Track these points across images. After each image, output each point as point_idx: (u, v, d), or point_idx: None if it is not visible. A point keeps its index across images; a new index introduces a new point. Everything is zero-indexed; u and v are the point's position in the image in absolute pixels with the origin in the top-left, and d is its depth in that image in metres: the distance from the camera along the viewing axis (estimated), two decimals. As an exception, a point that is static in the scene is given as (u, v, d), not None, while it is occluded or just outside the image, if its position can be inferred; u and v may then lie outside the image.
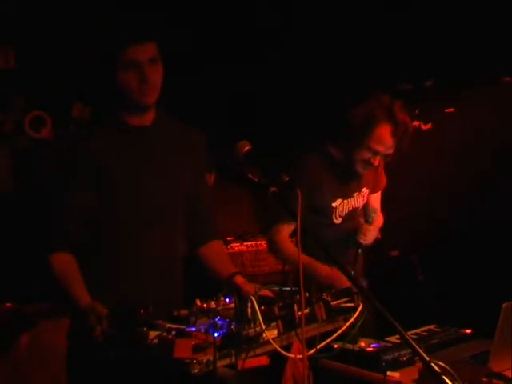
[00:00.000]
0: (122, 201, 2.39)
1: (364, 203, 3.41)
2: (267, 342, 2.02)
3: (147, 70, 2.33)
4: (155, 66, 2.36)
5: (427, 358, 1.91)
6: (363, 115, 3.04)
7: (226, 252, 2.82)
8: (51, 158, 2.50)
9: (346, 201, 3.29)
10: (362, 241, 3.17)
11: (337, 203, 3.26)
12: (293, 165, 3.21)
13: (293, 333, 2.09)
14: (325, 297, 2.19)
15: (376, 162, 3.14)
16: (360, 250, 3.31)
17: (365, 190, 3.39)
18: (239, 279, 2.35)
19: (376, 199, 3.51)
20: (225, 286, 2.36)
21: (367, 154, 3.09)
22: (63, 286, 2.34)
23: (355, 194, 3.33)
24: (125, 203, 2.39)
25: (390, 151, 3.11)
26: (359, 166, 3.16)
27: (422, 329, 3.15)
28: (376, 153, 3.09)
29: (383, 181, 3.50)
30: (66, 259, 2.35)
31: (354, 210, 3.35)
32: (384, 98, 3.09)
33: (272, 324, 2.04)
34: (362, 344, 2.74)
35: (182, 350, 1.87)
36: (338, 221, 3.28)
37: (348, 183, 3.28)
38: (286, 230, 3.15)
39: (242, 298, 2.02)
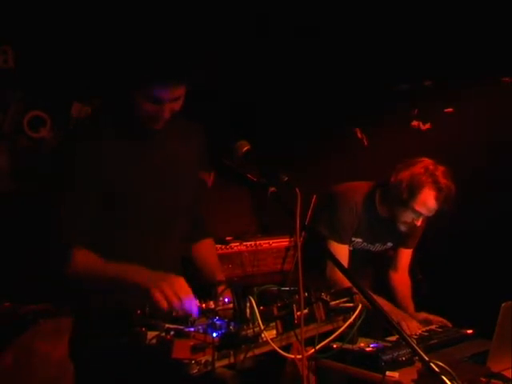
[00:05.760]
0: (129, 206, 2.34)
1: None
2: (266, 343, 2.02)
3: (167, 105, 2.25)
4: (176, 102, 2.29)
5: (426, 358, 1.91)
6: (409, 179, 3.20)
7: (216, 252, 2.82)
8: (54, 159, 2.41)
9: (365, 243, 3.47)
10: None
11: (357, 240, 3.44)
12: (339, 194, 3.41)
13: (292, 333, 2.09)
14: (324, 297, 2.19)
15: (419, 223, 3.30)
16: None
17: (389, 244, 3.56)
18: (220, 288, 2.34)
19: (407, 256, 3.64)
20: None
21: (411, 215, 3.26)
22: (97, 275, 2.25)
23: (377, 245, 3.51)
24: (132, 209, 2.35)
25: (432, 214, 3.27)
26: (402, 225, 3.34)
27: (423, 329, 3.16)
28: (419, 215, 3.25)
29: (417, 239, 3.62)
30: (87, 252, 2.27)
31: (369, 251, 3.51)
32: (428, 163, 3.23)
33: (271, 324, 2.04)
34: (362, 344, 2.74)
35: (181, 350, 1.86)
36: (350, 248, 3.44)
37: (375, 232, 3.44)
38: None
39: (240, 298, 2.01)
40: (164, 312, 2.07)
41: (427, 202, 3.19)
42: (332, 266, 3.20)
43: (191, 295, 2.10)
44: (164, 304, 2.07)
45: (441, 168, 3.22)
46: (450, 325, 3.24)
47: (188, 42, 2.25)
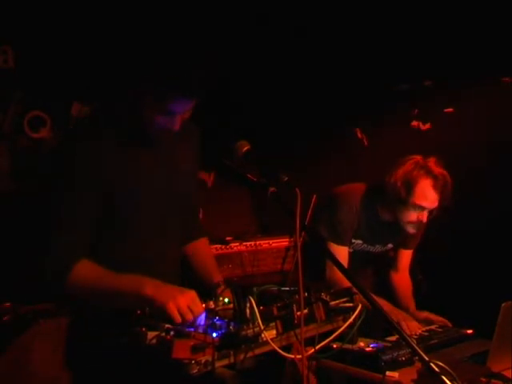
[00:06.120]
0: (129, 206, 2.33)
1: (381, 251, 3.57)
2: (266, 343, 2.02)
3: (178, 117, 2.23)
4: (188, 112, 2.28)
5: (426, 358, 1.91)
6: (402, 177, 3.20)
7: (211, 251, 2.82)
8: (53, 158, 2.36)
9: (365, 245, 3.47)
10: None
11: (357, 241, 3.44)
12: (338, 196, 3.41)
13: (292, 333, 2.09)
14: (324, 297, 2.19)
15: (424, 219, 3.26)
16: None
17: (389, 246, 3.56)
18: (219, 289, 2.34)
19: (408, 256, 3.65)
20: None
21: (414, 214, 3.24)
22: (101, 286, 2.21)
23: (377, 246, 3.50)
24: (132, 209, 2.34)
25: (435, 205, 3.24)
26: (409, 226, 3.32)
27: (424, 329, 3.17)
28: (422, 209, 3.23)
29: (418, 239, 3.62)
30: (87, 264, 2.24)
31: (369, 252, 3.51)
32: (417, 158, 3.24)
33: (271, 324, 2.04)
34: (361, 344, 2.74)
35: (181, 350, 1.87)
36: (350, 250, 3.44)
37: (375, 233, 3.44)
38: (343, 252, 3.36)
39: (240, 299, 2.01)
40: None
41: (426, 192, 3.19)
42: (331, 266, 3.20)
43: (202, 310, 2.11)
44: (178, 319, 2.07)
45: (431, 159, 3.23)
46: (450, 325, 3.24)
47: (204, 55, 2.21)
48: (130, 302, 2.16)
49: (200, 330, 1.98)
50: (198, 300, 2.12)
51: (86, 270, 2.24)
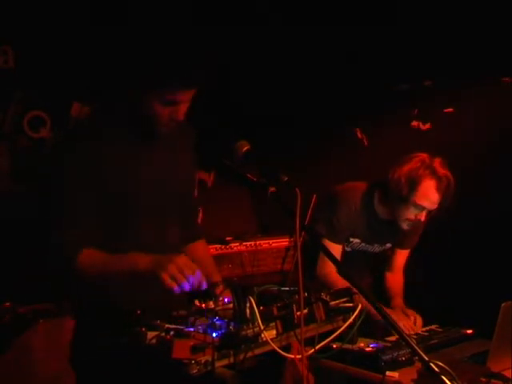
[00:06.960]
0: (129, 206, 2.33)
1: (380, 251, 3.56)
2: (266, 343, 2.02)
3: (181, 107, 2.27)
4: (187, 103, 2.30)
5: (426, 358, 1.91)
6: (407, 174, 3.19)
7: (210, 252, 2.83)
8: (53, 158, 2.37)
9: (363, 244, 3.45)
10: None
11: (355, 240, 3.43)
12: (338, 194, 3.40)
13: (292, 333, 2.09)
14: (323, 297, 2.19)
15: (422, 218, 3.26)
16: None
17: (388, 245, 3.55)
18: (218, 289, 2.34)
19: (404, 256, 3.64)
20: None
21: (413, 212, 3.23)
22: (104, 270, 2.25)
23: (375, 245, 3.49)
24: (132, 208, 2.34)
25: (435, 206, 3.23)
26: (404, 223, 3.30)
27: (424, 329, 3.17)
28: (422, 209, 3.22)
29: (415, 240, 3.60)
30: (91, 251, 2.27)
31: (367, 251, 3.50)
32: (424, 156, 3.23)
33: (271, 324, 2.04)
34: (361, 344, 2.75)
35: (181, 350, 1.87)
36: (348, 249, 3.44)
37: (373, 232, 3.42)
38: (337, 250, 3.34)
39: (240, 298, 2.01)
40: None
41: (428, 193, 3.17)
42: (324, 262, 3.21)
43: (196, 269, 2.13)
44: (174, 285, 2.09)
45: (437, 159, 3.22)
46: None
47: (201, 43, 2.24)
48: (129, 279, 2.22)
49: (200, 329, 1.98)
50: (188, 261, 2.15)
51: (91, 256, 2.26)
